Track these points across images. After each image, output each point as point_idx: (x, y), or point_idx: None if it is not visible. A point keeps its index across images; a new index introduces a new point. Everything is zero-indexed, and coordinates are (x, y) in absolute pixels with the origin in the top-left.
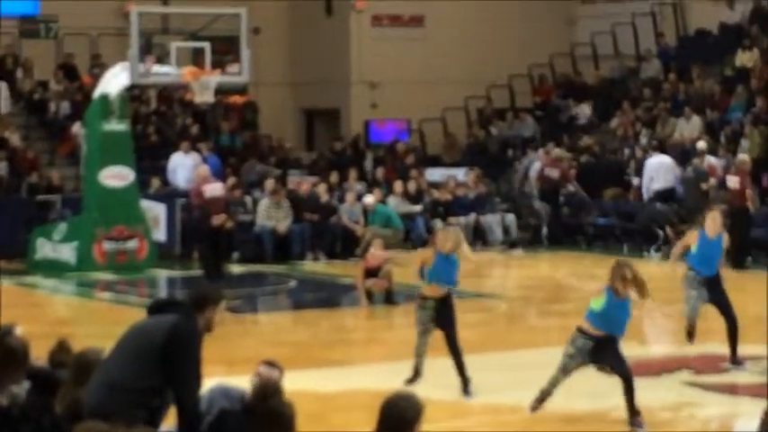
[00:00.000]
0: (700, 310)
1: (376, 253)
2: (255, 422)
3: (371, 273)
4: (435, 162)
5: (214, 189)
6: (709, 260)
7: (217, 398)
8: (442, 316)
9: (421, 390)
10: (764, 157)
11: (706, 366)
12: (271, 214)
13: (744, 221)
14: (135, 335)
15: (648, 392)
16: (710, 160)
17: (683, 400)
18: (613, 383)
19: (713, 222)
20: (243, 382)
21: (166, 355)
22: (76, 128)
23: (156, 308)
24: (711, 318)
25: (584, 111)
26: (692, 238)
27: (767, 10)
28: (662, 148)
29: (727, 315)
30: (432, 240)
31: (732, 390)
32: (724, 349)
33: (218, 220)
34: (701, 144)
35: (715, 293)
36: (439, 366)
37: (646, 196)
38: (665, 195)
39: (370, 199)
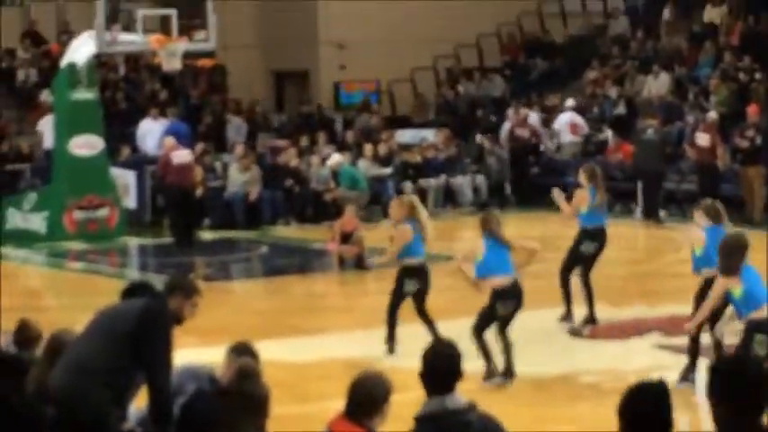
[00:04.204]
0: None
1: (351, 218)
2: (229, 404)
3: (344, 238)
4: (405, 123)
5: (182, 156)
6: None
7: (185, 380)
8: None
9: (394, 357)
10: (732, 114)
11: (676, 328)
12: (241, 179)
13: (714, 178)
14: (105, 317)
15: (618, 355)
16: (575, 119)
17: (654, 363)
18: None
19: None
20: (215, 353)
21: (138, 338)
22: (45, 96)
23: (128, 292)
24: (683, 276)
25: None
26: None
27: None
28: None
29: None
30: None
31: (702, 351)
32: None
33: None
34: (570, 102)
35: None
36: (413, 333)
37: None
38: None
39: (334, 160)
